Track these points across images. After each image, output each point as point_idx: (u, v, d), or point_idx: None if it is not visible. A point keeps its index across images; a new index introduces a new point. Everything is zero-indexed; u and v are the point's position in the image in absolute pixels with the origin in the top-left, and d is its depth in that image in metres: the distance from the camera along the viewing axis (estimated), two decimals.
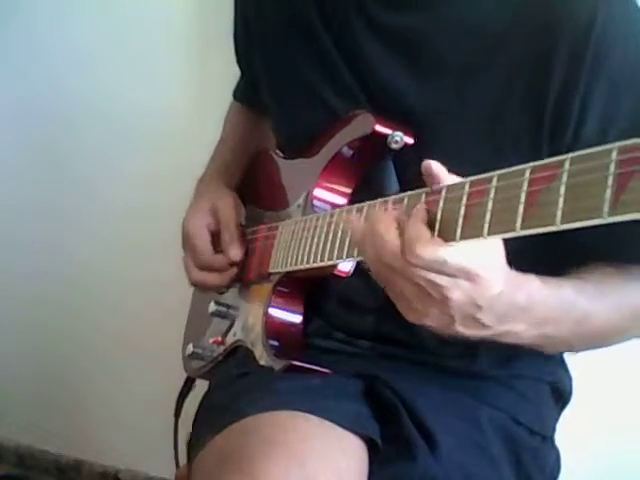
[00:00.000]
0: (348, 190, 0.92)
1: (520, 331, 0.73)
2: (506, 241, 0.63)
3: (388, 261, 0.68)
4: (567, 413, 1.02)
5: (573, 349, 0.89)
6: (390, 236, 0.67)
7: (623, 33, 0.80)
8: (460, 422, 0.89)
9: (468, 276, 0.65)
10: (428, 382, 0.90)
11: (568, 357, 1.01)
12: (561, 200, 0.52)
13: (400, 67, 0.88)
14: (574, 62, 0.79)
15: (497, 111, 0.83)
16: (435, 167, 0.67)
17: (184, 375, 1.20)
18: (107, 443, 1.81)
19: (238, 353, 1.01)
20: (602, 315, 0.80)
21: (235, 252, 1.02)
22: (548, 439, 0.98)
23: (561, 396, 1.00)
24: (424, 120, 0.86)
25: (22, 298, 1.79)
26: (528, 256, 0.70)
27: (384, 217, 0.69)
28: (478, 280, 0.66)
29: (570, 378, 1.02)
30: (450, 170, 0.67)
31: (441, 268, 0.65)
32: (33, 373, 1.83)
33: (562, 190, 0.53)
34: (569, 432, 1.02)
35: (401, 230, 0.67)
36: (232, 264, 1.02)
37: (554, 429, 1.00)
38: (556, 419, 1.01)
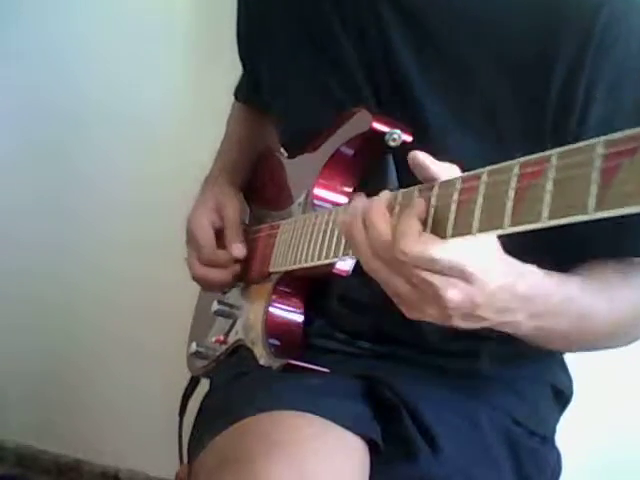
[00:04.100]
0: (348, 188, 0.92)
1: (520, 321, 0.71)
2: (509, 236, 0.60)
3: (382, 255, 0.66)
4: (567, 414, 1.02)
5: (571, 347, 0.87)
6: (382, 227, 0.66)
7: (628, 24, 0.80)
8: (461, 423, 0.89)
9: (462, 275, 0.64)
10: (429, 383, 0.90)
11: (568, 357, 1.01)
12: (548, 196, 0.52)
13: (406, 57, 0.87)
14: (579, 50, 0.78)
15: (500, 103, 0.82)
16: (421, 157, 0.66)
17: (184, 375, 1.20)
18: (107, 443, 1.81)
19: (239, 353, 1.01)
20: (603, 314, 0.78)
21: (238, 249, 1.02)
22: (549, 440, 0.98)
23: (561, 397, 1.00)
24: (427, 110, 0.85)
25: (23, 298, 1.79)
26: (530, 252, 0.68)
27: (376, 207, 0.68)
28: (473, 279, 0.64)
29: (570, 379, 1.02)
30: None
31: (430, 266, 0.63)
32: (33, 373, 1.83)
33: (549, 186, 0.52)
34: (570, 433, 1.02)
35: (393, 223, 0.66)
36: (235, 261, 1.02)
37: (554, 430, 1.00)
38: (556, 420, 1.00)
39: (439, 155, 0.67)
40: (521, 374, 0.95)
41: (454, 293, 0.64)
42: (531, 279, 0.69)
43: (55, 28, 1.64)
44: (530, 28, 0.81)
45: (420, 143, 0.83)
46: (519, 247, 0.65)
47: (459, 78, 0.84)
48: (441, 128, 0.84)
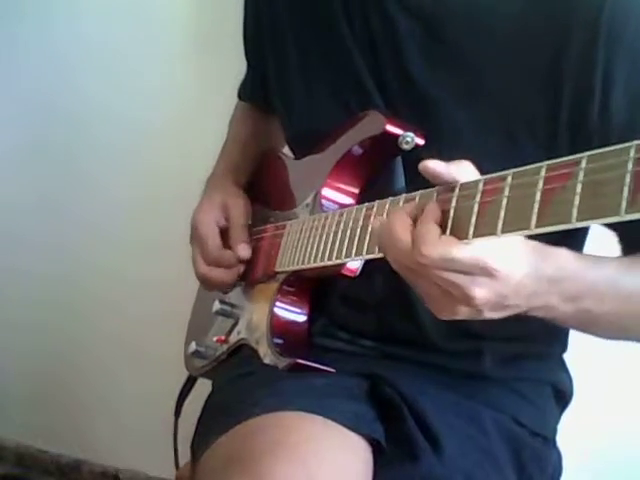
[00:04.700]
0: (356, 190, 0.92)
1: (554, 305, 0.70)
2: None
3: (405, 262, 0.67)
4: (567, 413, 1.02)
5: (630, 332, 0.80)
6: (403, 235, 0.66)
7: (636, 6, 0.79)
8: (463, 423, 0.89)
9: (484, 271, 0.64)
10: (432, 383, 0.91)
11: (568, 357, 1.02)
12: (577, 198, 0.52)
13: (417, 54, 0.86)
14: (589, 40, 0.78)
15: (512, 99, 0.82)
16: (432, 166, 0.66)
17: (184, 375, 1.20)
18: (107, 443, 1.81)
19: (241, 352, 1.01)
20: None
21: (244, 250, 1.02)
22: (550, 440, 0.98)
23: (562, 397, 1.01)
24: (438, 109, 0.85)
25: (23, 298, 1.79)
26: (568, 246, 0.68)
27: (397, 215, 0.68)
28: (497, 274, 0.64)
29: (570, 379, 1.02)
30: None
31: (451, 266, 0.63)
32: (33, 373, 1.83)
33: (578, 188, 0.52)
34: (570, 433, 1.02)
35: (412, 229, 0.66)
36: (239, 261, 1.02)
37: (555, 430, 1.00)
38: (557, 420, 1.01)
39: (453, 156, 0.68)
40: (523, 374, 0.96)
41: (480, 291, 0.65)
42: (559, 261, 0.69)
43: (57, 28, 1.64)
44: (540, 24, 0.81)
45: (433, 145, 0.83)
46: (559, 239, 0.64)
47: (470, 77, 0.84)
48: (454, 128, 0.84)
